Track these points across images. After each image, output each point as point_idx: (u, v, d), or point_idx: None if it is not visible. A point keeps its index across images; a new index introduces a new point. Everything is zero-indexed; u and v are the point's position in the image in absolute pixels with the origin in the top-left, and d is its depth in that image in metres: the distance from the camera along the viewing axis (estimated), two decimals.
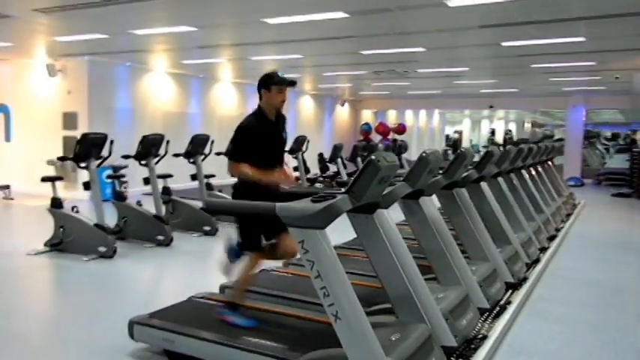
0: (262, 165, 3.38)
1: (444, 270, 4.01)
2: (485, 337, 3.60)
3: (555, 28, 6.37)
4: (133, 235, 6.59)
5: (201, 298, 3.92)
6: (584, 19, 5.98)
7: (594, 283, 5.43)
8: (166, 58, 10.23)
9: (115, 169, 9.04)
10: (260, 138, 3.41)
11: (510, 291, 4.68)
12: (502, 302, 4.36)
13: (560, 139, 20.91)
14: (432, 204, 4.24)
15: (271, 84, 3.42)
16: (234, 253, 3.67)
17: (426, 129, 26.26)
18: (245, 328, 3.39)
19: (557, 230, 7.58)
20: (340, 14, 5.77)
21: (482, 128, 36.72)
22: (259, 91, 3.49)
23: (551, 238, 7.01)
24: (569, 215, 9.05)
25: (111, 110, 10.74)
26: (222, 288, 4.21)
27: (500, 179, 6.19)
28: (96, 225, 5.78)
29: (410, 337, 2.95)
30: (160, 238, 6.43)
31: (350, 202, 2.82)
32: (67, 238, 5.85)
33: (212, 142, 7.48)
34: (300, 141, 9.41)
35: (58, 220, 5.91)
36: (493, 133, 36.06)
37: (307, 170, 9.83)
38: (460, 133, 34.06)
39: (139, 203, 6.80)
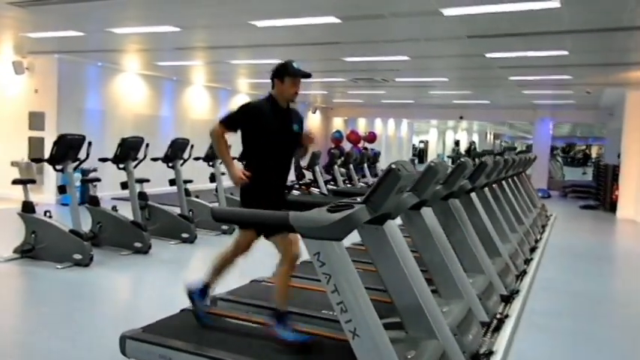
0: (270, 158, 3.19)
1: (445, 283, 3.92)
2: (491, 353, 3.52)
3: (541, 40, 6.45)
4: (108, 242, 6.27)
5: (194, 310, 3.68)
6: (571, 33, 6.06)
7: (579, 294, 5.46)
8: (140, 58, 9.91)
9: (84, 172, 8.66)
10: (270, 123, 3.20)
11: (504, 304, 4.64)
12: (499, 316, 4.30)
13: (523, 151, 21.43)
14: (432, 215, 4.15)
15: (285, 74, 3.23)
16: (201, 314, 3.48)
17: (394, 138, 26.47)
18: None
19: (537, 242, 7.66)
20: (332, 19, 5.66)
21: (447, 139, 37.36)
22: (272, 80, 3.29)
23: (532, 250, 7.06)
24: (544, 227, 9.18)
25: (80, 111, 10.32)
26: (215, 300, 3.99)
27: (486, 190, 6.20)
28: (71, 231, 5.45)
29: (425, 355, 2.83)
30: (138, 245, 6.14)
31: (368, 212, 2.69)
32: (40, 245, 5.50)
33: (192, 146, 7.22)
34: None
35: (29, 225, 5.55)
36: (457, 143, 36.78)
37: None
38: (426, 143, 34.59)
39: (114, 208, 6.48)
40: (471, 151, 29.91)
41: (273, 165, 3.23)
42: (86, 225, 6.25)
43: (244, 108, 3.23)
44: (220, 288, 4.10)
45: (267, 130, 3.18)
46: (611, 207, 12.15)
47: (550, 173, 18.20)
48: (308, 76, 3.32)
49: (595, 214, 12.47)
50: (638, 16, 5.23)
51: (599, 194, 13.64)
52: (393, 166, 2.70)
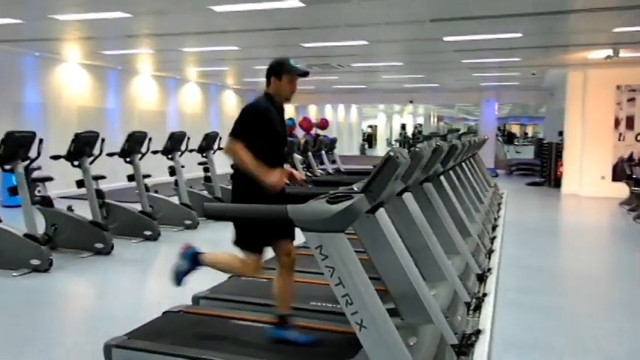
0: (269, 159, 3.01)
1: (429, 266, 3.94)
2: (479, 332, 3.57)
3: (499, 23, 6.57)
4: (66, 244, 5.91)
5: (178, 312, 3.54)
6: (527, 16, 6.20)
7: (544, 269, 5.68)
8: (83, 47, 9.39)
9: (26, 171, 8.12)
10: (275, 122, 3.06)
11: (479, 283, 4.73)
12: (478, 295, 4.38)
13: (465, 133, 22.00)
14: (413, 200, 4.15)
15: (283, 72, 3.06)
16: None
17: (344, 124, 26.58)
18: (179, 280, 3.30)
19: (496, 220, 7.89)
20: (296, 3, 5.52)
21: (395, 123, 37.87)
22: (268, 78, 3.12)
23: (494, 228, 7.27)
24: (499, 205, 9.49)
25: (17, 105, 9.69)
26: (196, 299, 3.86)
27: (451, 173, 6.31)
28: (26, 235, 5.09)
29: (426, 341, 2.83)
30: (99, 246, 5.83)
31: (367, 201, 2.64)
32: None
33: (150, 139, 6.91)
34: None
35: None
36: (404, 127, 37.35)
37: None
38: (375, 127, 34.92)
39: (70, 208, 6.12)
40: (416, 134, 30.49)
41: (275, 161, 3.08)
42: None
43: (255, 111, 3.02)
44: (200, 286, 3.98)
45: (271, 132, 3.04)
46: (556, 183, 12.72)
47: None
48: (306, 74, 3.18)
49: (541, 190, 13.02)
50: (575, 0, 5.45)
51: (544, 171, 14.23)
52: (392, 153, 2.65)
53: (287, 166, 3.45)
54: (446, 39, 7.62)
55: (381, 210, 3.23)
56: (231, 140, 2.97)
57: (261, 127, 2.99)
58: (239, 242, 3.08)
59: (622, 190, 10.00)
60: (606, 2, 5.71)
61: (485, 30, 6.99)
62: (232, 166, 3.34)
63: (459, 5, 5.80)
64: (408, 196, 3.98)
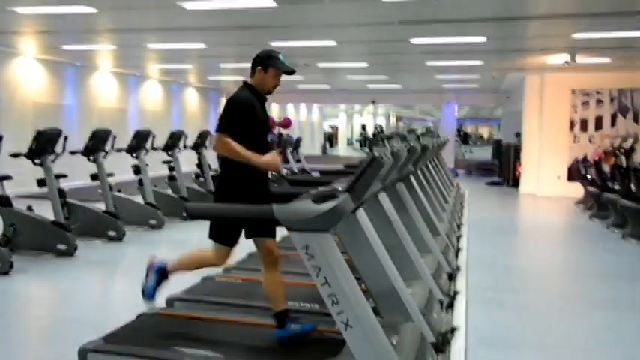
0: (255, 149, 2.96)
1: (404, 265, 3.98)
2: (454, 330, 3.65)
3: (464, 27, 6.73)
4: (26, 246, 5.67)
5: (153, 314, 3.46)
6: (492, 20, 6.38)
7: (512, 268, 5.85)
8: (42, 41, 9.04)
9: None
10: (258, 115, 3.00)
11: (450, 281, 4.84)
12: (451, 293, 4.48)
13: (424, 133, 22.41)
14: (388, 199, 4.20)
15: (271, 65, 2.99)
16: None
17: (306, 123, 26.60)
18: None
19: (460, 218, 8.08)
20: (269, 3, 5.49)
21: (356, 123, 38.18)
22: (253, 67, 3.04)
23: (459, 227, 7.44)
24: (462, 204, 9.72)
25: None
26: (170, 301, 3.78)
27: (419, 173, 6.42)
28: None
29: (408, 339, 2.87)
30: (62, 247, 5.63)
31: (352, 201, 2.65)
32: None
33: (114, 137, 6.72)
34: (204, 136, 8.89)
35: None
36: (364, 128, 37.70)
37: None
38: (336, 128, 35.08)
39: (29, 208, 5.89)
40: (377, 134, 30.83)
41: (261, 152, 3.03)
42: None
43: (239, 105, 2.95)
44: (173, 287, 3.90)
45: (255, 123, 2.99)
46: (514, 183, 13.13)
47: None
48: (293, 72, 3.12)
49: (500, 190, 13.40)
50: (539, 6, 5.64)
51: (502, 171, 14.65)
52: (376, 154, 2.67)
53: None
54: (413, 41, 7.74)
55: (361, 210, 3.26)
56: (219, 136, 2.92)
57: (246, 120, 2.95)
58: (214, 235, 3.05)
59: (577, 189, 10.42)
60: (566, 9, 5.94)
61: (452, 33, 7.15)
62: (220, 165, 3.28)
63: (427, 8, 5.91)
64: (383, 196, 4.03)
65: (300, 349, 3.04)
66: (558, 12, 5.94)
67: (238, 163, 2.93)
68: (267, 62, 3.00)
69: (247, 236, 3.05)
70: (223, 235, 3.03)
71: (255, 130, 2.99)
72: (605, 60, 9.51)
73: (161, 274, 3.30)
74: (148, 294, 3.30)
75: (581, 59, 8.84)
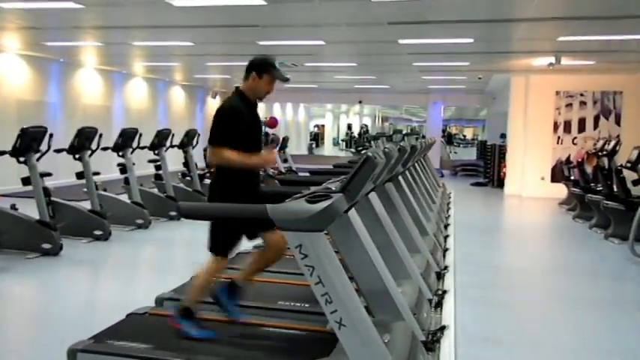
0: (248, 153, 3.00)
1: (394, 264, 4.00)
2: (444, 328, 3.68)
3: (452, 28, 6.78)
4: (10, 245, 5.59)
5: (143, 314, 3.43)
6: (480, 22, 6.44)
7: (497, 266, 5.92)
8: (25, 37, 8.88)
9: None
10: (247, 121, 3.02)
11: (438, 280, 4.87)
12: (439, 292, 4.51)
13: (409, 133, 22.52)
14: (378, 199, 4.22)
15: (266, 72, 3.01)
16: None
17: (293, 123, 26.56)
18: (202, 339, 3.05)
19: (447, 218, 8.15)
20: (258, 1, 5.47)
21: (342, 123, 38.22)
22: (247, 73, 3.05)
23: (446, 227, 7.50)
24: (448, 204, 9.79)
25: None
26: (160, 300, 3.75)
27: (407, 173, 6.45)
28: None
29: (399, 338, 2.88)
30: (47, 246, 5.55)
31: (346, 201, 2.66)
32: None
33: (100, 135, 6.65)
34: (191, 135, 8.82)
35: None
36: (350, 127, 37.76)
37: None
38: (322, 127, 35.07)
39: (13, 207, 5.80)
40: (363, 134, 30.89)
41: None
42: None
43: (228, 115, 2.97)
44: (162, 287, 3.88)
45: (245, 129, 3.01)
46: (499, 183, 13.27)
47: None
48: (287, 80, 3.16)
49: (485, 190, 13.53)
50: (526, 9, 5.71)
51: (487, 172, 14.80)
52: (370, 154, 2.68)
53: None
54: (401, 41, 7.78)
55: (353, 209, 3.27)
56: (213, 149, 2.95)
57: (237, 129, 2.97)
58: (215, 248, 3.06)
59: (560, 190, 10.56)
60: (553, 12, 6.02)
61: (440, 34, 7.21)
62: (217, 168, 3.27)
63: (416, 9, 5.94)
64: (373, 196, 4.05)
65: (292, 348, 3.04)
66: (545, 15, 6.01)
67: (233, 170, 2.97)
68: (262, 69, 3.02)
69: (250, 238, 3.07)
70: (224, 247, 3.06)
71: (244, 135, 3.01)
72: (590, 63, 9.65)
73: (190, 318, 3.12)
74: (197, 336, 3.09)
75: (566, 61, 8.97)
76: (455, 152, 28.16)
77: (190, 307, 3.13)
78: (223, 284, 3.27)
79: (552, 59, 8.86)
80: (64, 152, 6.45)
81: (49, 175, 6.30)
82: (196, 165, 9.14)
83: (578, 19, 6.19)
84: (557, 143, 11.61)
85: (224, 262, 3.13)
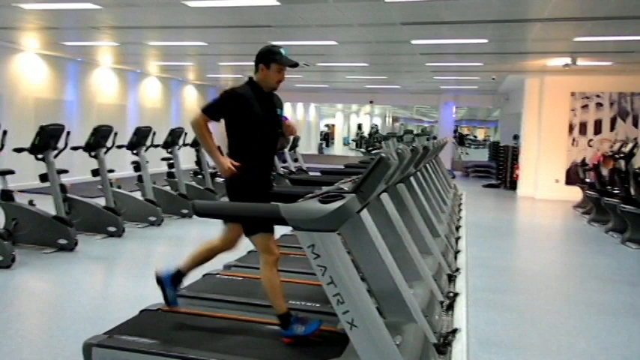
0: (250, 147, 3.04)
1: (406, 265, 4.00)
2: (456, 331, 3.67)
3: (467, 29, 6.75)
4: (27, 240, 5.70)
5: (156, 310, 3.47)
6: (495, 22, 6.41)
7: (509, 269, 5.88)
8: (44, 37, 9.01)
9: None
10: (255, 110, 3.03)
11: (449, 282, 4.86)
12: (450, 294, 4.50)
13: (419, 134, 22.46)
14: (389, 200, 4.22)
15: (272, 61, 3.02)
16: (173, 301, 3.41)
17: (303, 122, 26.58)
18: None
19: (459, 220, 8.11)
20: (272, 1, 5.50)
21: (352, 122, 38.13)
22: (256, 65, 3.08)
23: (457, 228, 7.47)
24: (460, 205, 9.75)
25: None
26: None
27: (419, 174, 6.44)
28: None
29: (411, 340, 2.89)
30: (63, 242, 5.64)
31: (359, 201, 2.67)
32: None
33: (115, 134, 6.72)
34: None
35: None
36: (360, 127, 37.69)
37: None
38: (332, 127, 35.02)
39: (31, 203, 5.90)
40: (373, 134, 30.80)
41: (260, 153, 3.08)
42: None
43: (228, 95, 3.03)
44: None
45: (252, 118, 3.02)
46: (512, 185, 13.17)
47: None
48: (296, 65, 3.16)
49: (498, 192, 13.43)
50: (542, 9, 5.67)
51: (500, 173, 14.69)
52: (383, 155, 2.69)
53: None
54: (414, 42, 7.76)
55: (365, 210, 3.28)
56: (198, 114, 3.05)
57: (237, 114, 3.01)
58: (252, 230, 3.03)
59: (575, 193, 10.46)
60: (569, 12, 5.96)
61: (454, 35, 7.17)
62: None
63: (430, 10, 5.92)
64: (385, 197, 4.05)
65: (303, 347, 3.05)
66: (561, 15, 5.96)
67: (243, 162, 3.00)
68: (268, 58, 3.04)
69: (248, 235, 3.08)
70: (257, 224, 3.01)
71: (255, 126, 3.04)
72: (607, 63, 9.54)
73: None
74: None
75: (582, 62, 8.88)
76: (466, 153, 27.97)
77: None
78: (170, 271, 3.37)
79: (568, 60, 8.78)
80: (79, 149, 6.54)
81: (66, 172, 6.40)
82: (208, 163, 9.20)
83: (595, 19, 6.13)
84: (572, 145, 11.50)
85: (271, 237, 3.05)
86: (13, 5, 6.15)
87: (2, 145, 5.18)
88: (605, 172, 8.84)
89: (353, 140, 34.92)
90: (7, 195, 5.72)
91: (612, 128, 11.27)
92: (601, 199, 7.98)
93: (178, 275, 3.37)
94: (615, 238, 7.38)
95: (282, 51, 3.08)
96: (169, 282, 3.36)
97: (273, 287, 3.02)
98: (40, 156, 5.68)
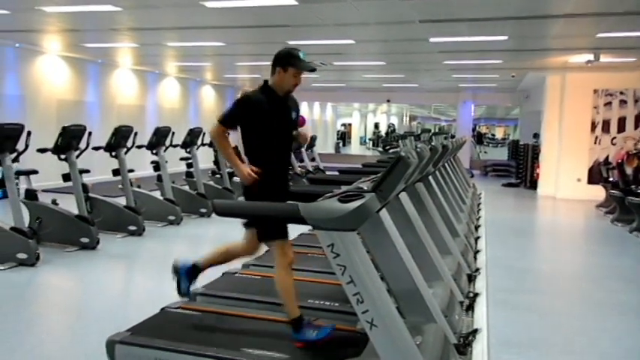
0: (267, 151, 3.05)
1: (425, 265, 3.98)
2: (476, 331, 3.64)
3: (486, 26, 6.68)
4: (50, 239, 5.80)
5: (177, 308, 3.50)
6: (515, 19, 6.33)
7: (532, 271, 5.79)
8: (65, 39, 9.17)
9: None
10: (271, 115, 3.03)
11: (469, 282, 4.82)
12: (470, 294, 4.46)
13: (437, 133, 22.29)
14: (408, 199, 4.19)
15: (291, 65, 2.99)
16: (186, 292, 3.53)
17: (320, 122, 26.59)
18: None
19: (478, 220, 8.03)
20: (290, 1, 5.51)
21: (369, 122, 38.01)
22: (273, 67, 3.06)
23: (476, 228, 7.40)
24: (479, 205, 9.66)
25: None
26: (193, 296, 3.81)
27: (437, 173, 6.39)
28: (13, 228, 4.97)
29: (431, 340, 2.87)
30: (85, 240, 5.73)
31: (378, 201, 2.66)
32: None
33: (135, 134, 6.80)
34: None
35: None
36: (377, 126, 37.56)
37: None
38: (348, 126, 34.96)
39: (54, 202, 6.00)
40: (390, 133, 30.65)
41: (276, 157, 3.10)
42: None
43: (244, 102, 3.04)
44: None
45: (268, 123, 3.03)
46: (532, 184, 12.99)
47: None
48: (313, 70, 3.15)
49: (517, 191, 13.26)
50: (564, 5, 5.59)
51: (520, 172, 14.51)
52: (403, 154, 2.68)
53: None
54: (432, 40, 7.71)
55: (384, 209, 3.27)
56: (215, 125, 3.08)
57: (253, 120, 3.01)
58: (266, 236, 3.07)
59: (597, 192, 10.28)
60: (591, 8, 5.86)
61: (473, 32, 7.10)
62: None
63: (448, 7, 5.88)
64: (403, 196, 4.03)
65: (323, 347, 3.05)
66: (583, 11, 5.86)
67: (261, 166, 3.02)
68: (286, 62, 3.00)
69: (264, 240, 3.10)
70: (273, 230, 3.02)
71: (271, 132, 3.05)
72: (631, 60, 9.35)
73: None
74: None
75: (605, 59, 8.72)
76: (485, 152, 27.70)
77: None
78: (187, 263, 3.44)
79: (591, 56, 8.63)
80: (101, 150, 6.64)
81: (87, 171, 6.49)
82: (226, 163, 9.26)
83: (619, 14, 6.01)
84: (595, 143, 11.29)
85: (286, 242, 3.05)
86: (36, 8, 6.26)
87: (26, 146, 5.28)
88: (629, 170, 8.68)
89: (370, 139, 34.83)
90: (31, 194, 5.83)
91: (637, 126, 11.04)
92: (625, 198, 7.83)
93: (194, 269, 3.44)
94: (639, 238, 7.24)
95: (301, 54, 3.04)
96: (184, 274, 3.44)
97: (286, 290, 3.01)
98: (62, 156, 5.78)
